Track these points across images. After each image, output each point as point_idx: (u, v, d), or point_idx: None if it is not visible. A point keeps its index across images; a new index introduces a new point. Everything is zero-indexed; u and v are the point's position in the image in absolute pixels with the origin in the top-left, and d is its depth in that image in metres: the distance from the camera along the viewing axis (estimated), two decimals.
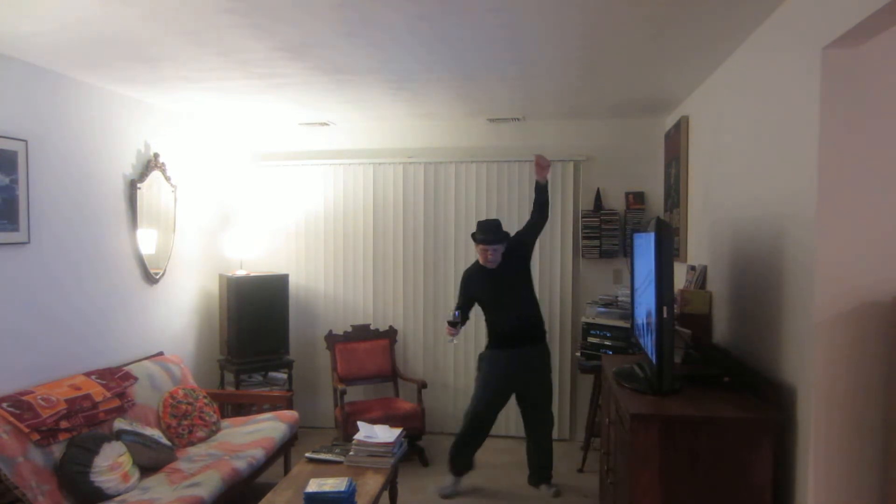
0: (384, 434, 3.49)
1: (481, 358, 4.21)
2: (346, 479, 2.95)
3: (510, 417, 5.24)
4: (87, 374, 3.58)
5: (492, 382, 4.10)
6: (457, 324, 4.02)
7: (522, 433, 5.17)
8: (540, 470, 4.20)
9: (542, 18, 2.73)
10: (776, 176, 2.62)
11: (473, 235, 4.13)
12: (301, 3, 2.54)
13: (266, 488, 3.20)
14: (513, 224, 5.18)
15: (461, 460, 4.18)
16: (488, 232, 4.06)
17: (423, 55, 3.28)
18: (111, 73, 3.63)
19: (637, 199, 5.06)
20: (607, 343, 4.43)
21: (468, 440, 4.16)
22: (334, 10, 2.61)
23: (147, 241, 4.33)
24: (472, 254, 5.24)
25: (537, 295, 4.25)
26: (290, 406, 4.44)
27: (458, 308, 4.15)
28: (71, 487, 3.01)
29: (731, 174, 3.27)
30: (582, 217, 5.09)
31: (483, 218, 5.23)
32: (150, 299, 4.43)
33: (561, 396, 5.19)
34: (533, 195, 5.15)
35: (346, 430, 4.43)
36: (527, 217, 5.14)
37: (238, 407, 4.64)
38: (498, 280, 4.10)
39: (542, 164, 4.03)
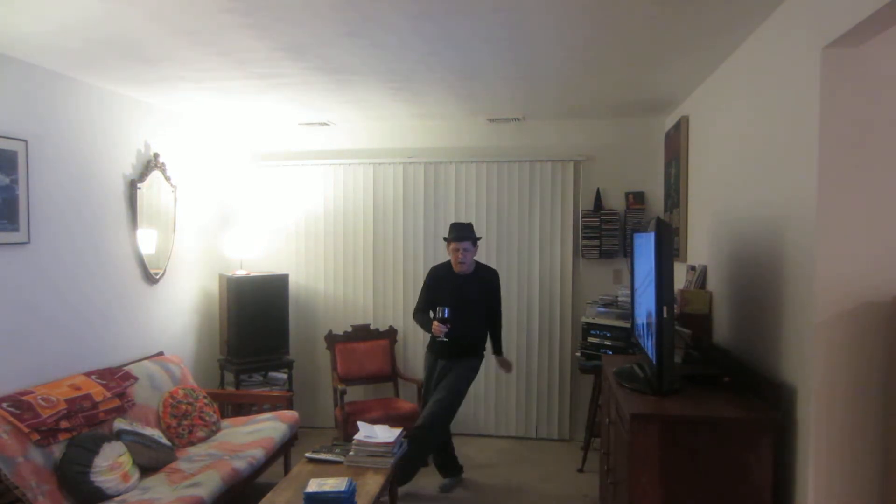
0: (384, 434, 3.49)
1: (425, 360, 4.42)
2: (346, 479, 2.95)
3: (510, 417, 5.24)
4: (87, 374, 3.58)
5: (429, 375, 4.34)
6: (447, 321, 4.04)
7: (523, 433, 5.21)
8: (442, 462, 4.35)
9: (544, 18, 2.73)
10: (776, 176, 2.62)
11: (445, 237, 4.25)
12: (301, 2, 2.54)
13: (266, 488, 3.20)
14: (513, 224, 5.19)
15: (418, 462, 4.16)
16: (461, 230, 4.17)
17: (424, 55, 3.28)
18: (111, 73, 3.63)
19: (637, 199, 5.06)
20: (607, 343, 4.43)
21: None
22: (335, 9, 2.61)
23: (147, 241, 4.33)
24: None
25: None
26: (290, 406, 4.44)
27: (421, 305, 4.33)
28: (71, 487, 3.01)
29: (731, 174, 3.27)
30: (582, 217, 5.09)
31: (484, 218, 5.26)
32: (150, 299, 4.43)
33: (561, 396, 5.19)
34: (531, 197, 5.21)
35: (346, 430, 4.43)
36: (526, 217, 5.19)
37: (238, 407, 4.64)
38: (461, 291, 4.20)
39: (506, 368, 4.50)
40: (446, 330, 4.03)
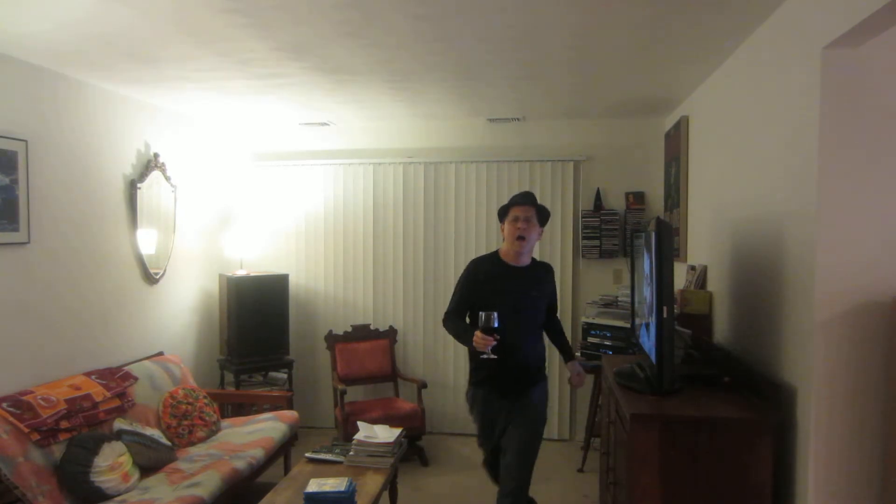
0: (384, 434, 3.49)
1: (467, 397, 3.25)
2: (346, 479, 2.95)
3: None
4: (87, 374, 3.58)
5: (487, 424, 3.16)
6: (496, 331, 2.82)
7: None
8: None
9: (545, 19, 2.73)
10: (776, 176, 2.62)
11: (501, 209, 3.18)
12: (302, 2, 2.54)
13: (266, 488, 3.20)
14: None
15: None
16: (524, 195, 3.17)
17: (424, 55, 3.28)
18: (111, 73, 3.63)
19: (637, 199, 5.06)
20: (607, 343, 4.43)
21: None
22: (336, 9, 2.61)
23: (147, 241, 4.33)
24: (472, 253, 5.25)
25: None
26: (290, 406, 4.44)
27: (453, 307, 3.14)
28: (71, 487, 3.01)
29: (731, 174, 3.27)
30: (582, 217, 5.09)
31: (484, 218, 5.24)
32: (150, 299, 4.43)
33: (561, 396, 5.19)
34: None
35: (346, 430, 4.43)
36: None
37: (238, 407, 4.64)
38: (517, 281, 3.06)
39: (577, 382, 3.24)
40: (494, 344, 2.81)
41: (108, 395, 3.48)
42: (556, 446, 5.04)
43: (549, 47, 3.15)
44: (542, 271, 3.19)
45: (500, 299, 2.98)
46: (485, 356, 2.87)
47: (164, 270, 4.55)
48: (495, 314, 2.83)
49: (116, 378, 3.66)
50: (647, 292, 2.89)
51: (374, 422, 3.88)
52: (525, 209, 3.05)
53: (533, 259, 3.19)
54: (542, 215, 3.13)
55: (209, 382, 5.06)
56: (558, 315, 3.42)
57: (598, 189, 5.10)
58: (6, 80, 3.24)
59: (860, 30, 1.96)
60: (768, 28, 2.73)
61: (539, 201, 2.99)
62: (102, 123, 3.94)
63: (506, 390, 3.06)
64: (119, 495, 3.12)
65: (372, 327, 5.28)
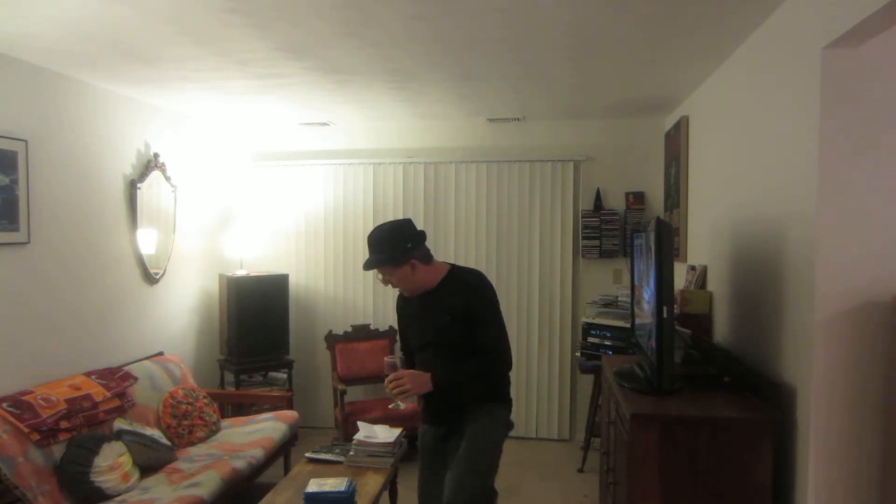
0: (384, 434, 3.49)
1: (420, 432, 2.85)
2: (346, 479, 2.95)
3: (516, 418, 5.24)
4: (88, 374, 3.58)
5: (422, 467, 2.79)
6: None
7: (523, 433, 5.20)
8: None
9: (543, 19, 2.73)
10: (776, 176, 2.62)
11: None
12: (301, 2, 2.54)
13: (266, 488, 3.20)
14: (513, 224, 5.18)
15: None
16: (370, 248, 2.57)
17: (422, 56, 3.28)
18: (111, 73, 3.63)
19: (637, 199, 5.06)
20: (607, 343, 4.43)
21: None
22: (335, 9, 2.61)
23: (147, 241, 4.33)
24: (471, 253, 5.26)
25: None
26: (290, 406, 4.44)
27: (403, 347, 2.89)
28: (71, 487, 3.01)
29: (731, 174, 3.27)
30: (582, 217, 5.09)
31: (484, 218, 5.23)
32: (150, 299, 4.43)
33: (561, 396, 5.19)
34: (531, 197, 5.20)
35: (346, 430, 4.43)
36: (526, 217, 5.18)
37: (238, 407, 4.65)
38: (424, 308, 2.65)
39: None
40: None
41: (108, 395, 3.48)
42: (556, 446, 5.04)
43: (548, 48, 3.14)
44: (454, 289, 2.60)
45: (413, 334, 2.74)
46: (392, 406, 2.80)
47: (164, 270, 4.55)
48: (397, 360, 2.59)
49: (116, 378, 3.66)
50: (646, 293, 2.89)
51: (374, 422, 3.87)
52: (381, 270, 2.59)
53: (452, 271, 2.67)
54: (395, 259, 2.53)
55: (209, 382, 5.06)
56: (488, 340, 2.57)
57: (598, 189, 5.10)
58: (6, 80, 3.24)
59: (860, 30, 1.96)
60: (768, 28, 2.73)
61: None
62: (102, 123, 3.94)
63: (437, 419, 2.71)
64: (119, 495, 3.12)
65: (372, 327, 5.28)
